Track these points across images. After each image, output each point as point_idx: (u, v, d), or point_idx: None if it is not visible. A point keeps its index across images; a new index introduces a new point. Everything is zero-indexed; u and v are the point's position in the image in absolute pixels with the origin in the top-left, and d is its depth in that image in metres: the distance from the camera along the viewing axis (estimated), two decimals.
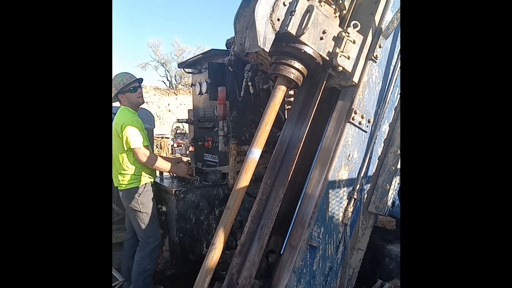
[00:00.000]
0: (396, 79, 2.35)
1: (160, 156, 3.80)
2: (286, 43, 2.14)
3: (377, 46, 2.25)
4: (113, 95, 3.52)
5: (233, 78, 3.62)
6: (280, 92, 2.23)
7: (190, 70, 4.25)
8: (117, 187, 3.53)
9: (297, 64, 2.17)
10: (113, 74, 3.62)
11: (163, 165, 3.51)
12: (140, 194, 3.42)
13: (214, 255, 2.04)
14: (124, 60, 46.14)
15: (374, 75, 2.30)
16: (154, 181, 3.61)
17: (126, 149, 3.33)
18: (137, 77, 3.59)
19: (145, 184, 3.47)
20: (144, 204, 3.43)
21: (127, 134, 3.29)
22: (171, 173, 3.80)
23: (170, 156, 11.11)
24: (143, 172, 3.47)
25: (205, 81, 3.73)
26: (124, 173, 3.43)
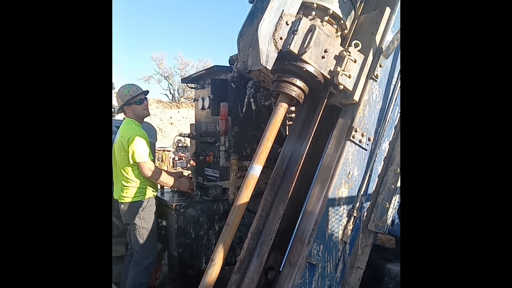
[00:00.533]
0: (396, 98, 2.37)
1: (163, 170, 3.77)
2: (288, 61, 2.17)
3: (378, 65, 2.28)
4: (118, 106, 3.54)
5: (235, 95, 3.66)
6: (282, 109, 2.26)
7: (193, 85, 4.30)
8: (117, 200, 3.50)
9: (298, 82, 2.20)
10: (118, 86, 3.66)
11: (166, 180, 3.50)
12: (143, 208, 3.40)
13: (213, 271, 2.04)
14: (128, 73, 46.53)
15: (374, 94, 2.33)
16: (156, 194, 3.61)
17: (132, 162, 3.31)
18: (143, 89, 3.60)
19: (149, 198, 3.46)
20: (146, 220, 3.41)
21: (134, 148, 3.27)
22: (172, 188, 3.80)
23: (171, 170, 11.11)
24: (147, 186, 3.45)
25: (208, 96, 3.77)
26: (128, 186, 3.40)
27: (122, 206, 3.45)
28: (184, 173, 4.25)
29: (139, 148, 3.29)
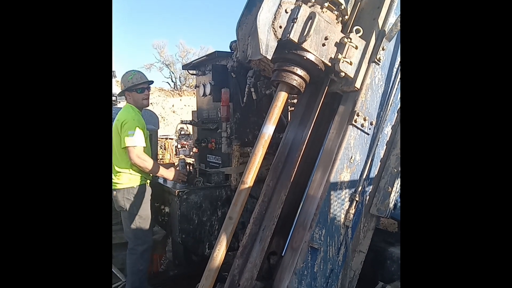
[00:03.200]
0: (399, 82, 2.35)
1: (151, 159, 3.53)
2: (289, 50, 2.14)
3: (380, 48, 2.26)
4: (120, 90, 3.52)
5: (235, 84, 3.63)
6: (282, 98, 2.24)
7: (194, 72, 4.28)
8: None
9: (299, 71, 2.17)
10: (119, 74, 3.62)
11: (154, 168, 3.40)
12: (135, 195, 3.37)
13: (220, 252, 2.05)
14: (129, 61, 46.30)
15: (377, 78, 2.31)
16: (150, 181, 3.56)
17: (122, 147, 3.27)
18: (149, 79, 3.54)
19: (141, 185, 3.42)
20: (138, 206, 3.37)
21: (126, 132, 3.24)
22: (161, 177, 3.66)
23: (174, 158, 11.14)
24: (139, 172, 3.40)
25: (209, 82, 3.76)
26: (120, 172, 3.36)
27: (115, 192, 3.39)
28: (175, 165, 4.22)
29: (131, 132, 3.22)
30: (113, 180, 3.39)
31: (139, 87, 3.44)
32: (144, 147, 3.34)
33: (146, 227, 3.43)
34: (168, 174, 3.54)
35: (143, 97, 3.50)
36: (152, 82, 3.60)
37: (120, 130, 3.26)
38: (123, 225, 3.61)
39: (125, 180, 3.36)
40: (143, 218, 3.40)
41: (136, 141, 3.24)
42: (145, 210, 3.41)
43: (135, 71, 3.51)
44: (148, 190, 3.50)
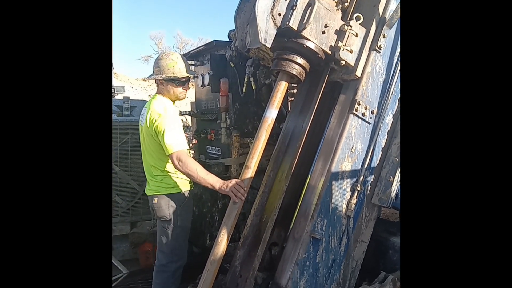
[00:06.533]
0: (400, 70, 2.32)
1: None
2: (288, 38, 2.12)
3: (381, 36, 2.23)
4: (154, 74, 2.83)
5: (234, 74, 3.59)
6: (282, 87, 2.22)
7: (192, 62, 4.22)
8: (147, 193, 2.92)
9: (299, 60, 2.14)
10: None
11: (200, 174, 2.53)
12: (182, 203, 2.81)
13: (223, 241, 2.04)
14: (126, 53, 45.93)
15: (377, 66, 2.28)
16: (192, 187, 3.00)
17: (167, 153, 2.59)
18: (191, 71, 2.90)
19: (187, 191, 2.87)
20: (182, 217, 2.84)
21: (164, 135, 2.57)
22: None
23: None
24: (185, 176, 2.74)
25: (208, 73, 3.71)
26: (162, 175, 2.78)
27: (156, 199, 2.81)
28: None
29: (169, 135, 2.56)
30: (152, 186, 2.84)
31: (181, 80, 2.80)
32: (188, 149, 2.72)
33: (184, 242, 2.94)
34: (215, 183, 2.51)
35: (181, 91, 2.83)
36: (194, 74, 2.97)
37: (156, 128, 2.63)
38: (157, 237, 2.99)
39: (170, 184, 2.78)
40: (185, 231, 2.88)
41: (178, 144, 2.58)
42: (188, 221, 2.88)
43: (176, 56, 2.84)
44: (192, 198, 2.98)
